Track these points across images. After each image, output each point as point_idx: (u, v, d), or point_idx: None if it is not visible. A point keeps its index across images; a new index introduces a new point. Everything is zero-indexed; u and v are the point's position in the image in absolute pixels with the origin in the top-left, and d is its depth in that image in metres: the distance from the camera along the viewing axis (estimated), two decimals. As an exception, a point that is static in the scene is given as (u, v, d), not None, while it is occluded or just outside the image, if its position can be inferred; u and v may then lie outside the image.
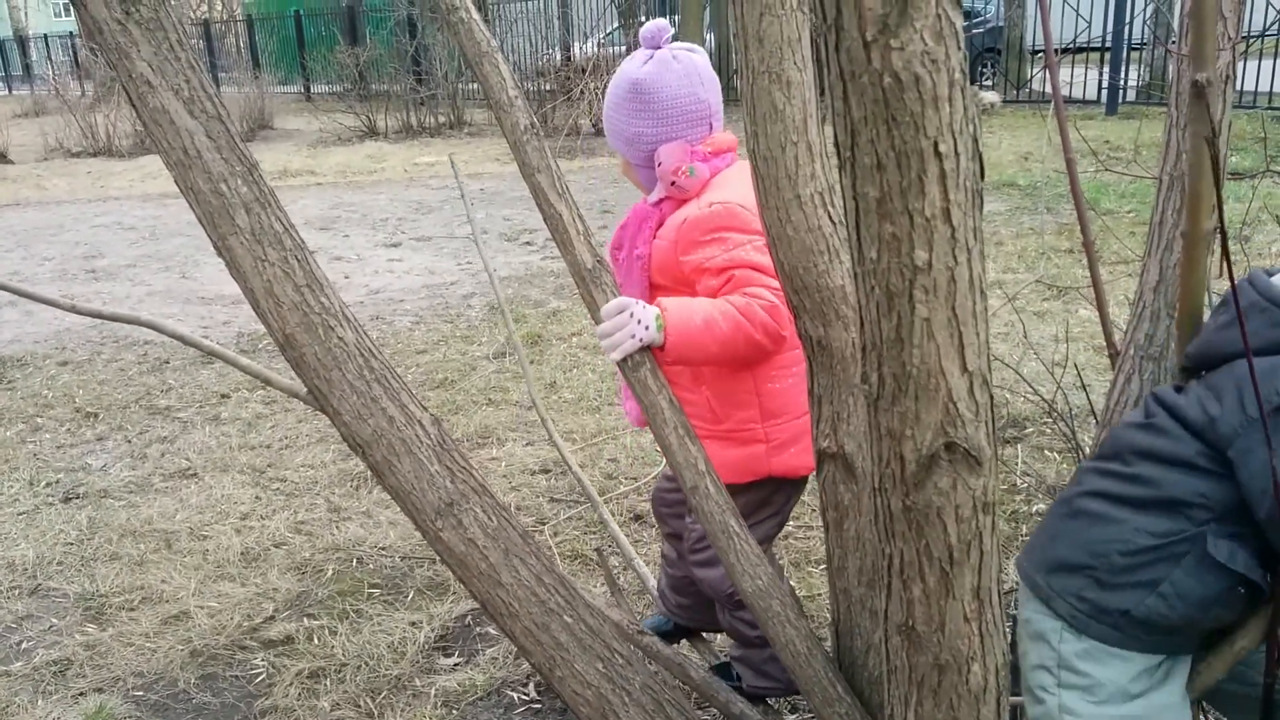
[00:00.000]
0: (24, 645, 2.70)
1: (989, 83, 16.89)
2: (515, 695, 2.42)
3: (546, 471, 3.56)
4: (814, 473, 1.61)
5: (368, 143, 14.32)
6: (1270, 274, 1.26)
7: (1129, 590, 1.22)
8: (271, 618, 2.76)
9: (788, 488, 1.96)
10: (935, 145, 0.90)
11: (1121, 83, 12.54)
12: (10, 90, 27.19)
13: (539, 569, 1.62)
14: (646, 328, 1.58)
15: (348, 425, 1.55)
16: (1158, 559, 1.20)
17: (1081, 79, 12.62)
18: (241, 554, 3.08)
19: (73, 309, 1.90)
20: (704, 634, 2.37)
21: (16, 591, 2.96)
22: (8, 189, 11.42)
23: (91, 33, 1.38)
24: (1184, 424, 1.21)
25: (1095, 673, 1.26)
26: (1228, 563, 1.17)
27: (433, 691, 2.44)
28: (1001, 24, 16.98)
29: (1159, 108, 11.48)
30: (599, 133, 13.10)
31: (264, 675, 2.54)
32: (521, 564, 1.60)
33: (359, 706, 2.41)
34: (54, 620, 2.80)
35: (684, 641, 2.37)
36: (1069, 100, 13.48)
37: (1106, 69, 12.52)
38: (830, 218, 1.39)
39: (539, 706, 2.38)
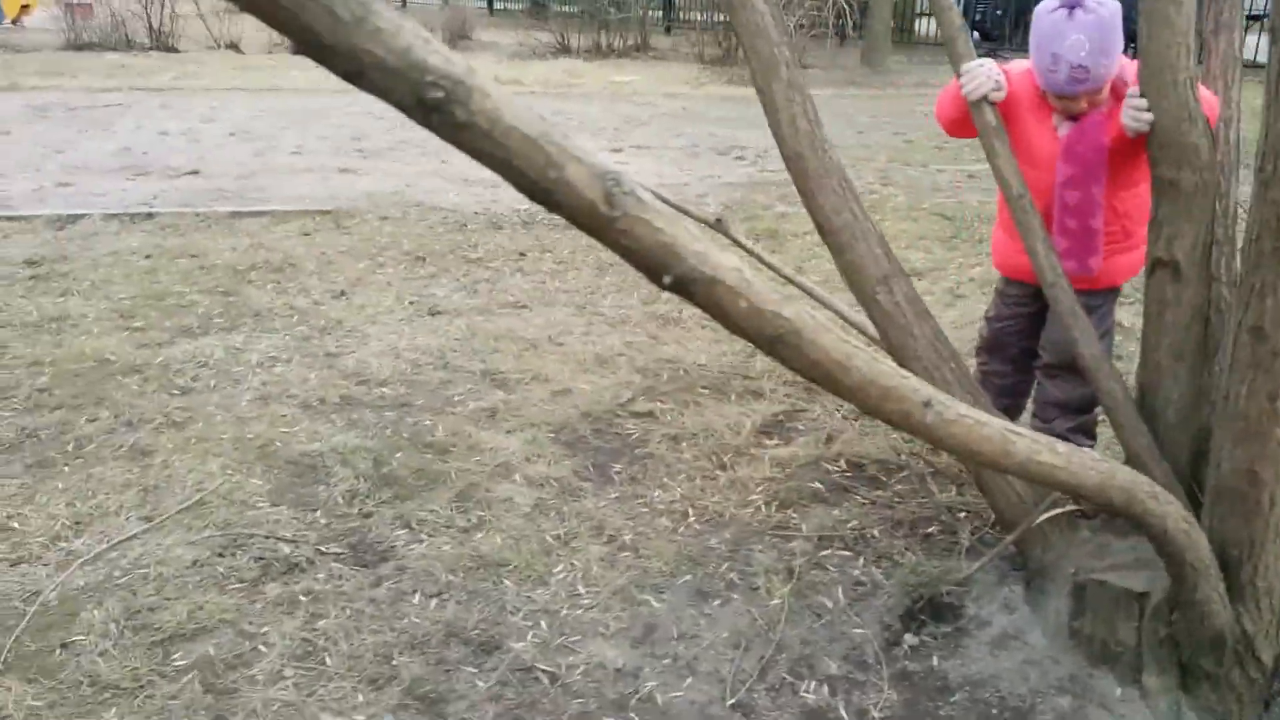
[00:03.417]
0: (456, 398, 3.69)
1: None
2: (829, 467, 3.28)
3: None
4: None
5: (561, 59, 15.19)
6: None
7: None
8: (632, 399, 3.68)
9: None
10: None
11: None
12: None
13: (934, 331, 2.44)
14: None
15: (826, 215, 2.37)
16: None
17: None
18: (594, 356, 4.01)
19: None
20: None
21: (431, 366, 3.95)
22: (252, 77, 12.72)
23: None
24: None
25: None
26: None
27: (766, 457, 3.32)
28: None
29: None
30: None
31: (637, 434, 3.46)
32: (925, 323, 2.43)
33: (711, 460, 3.31)
34: (470, 386, 3.78)
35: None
36: None
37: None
38: (1194, 98, 2.13)
39: (850, 474, 3.24)
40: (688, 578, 2.74)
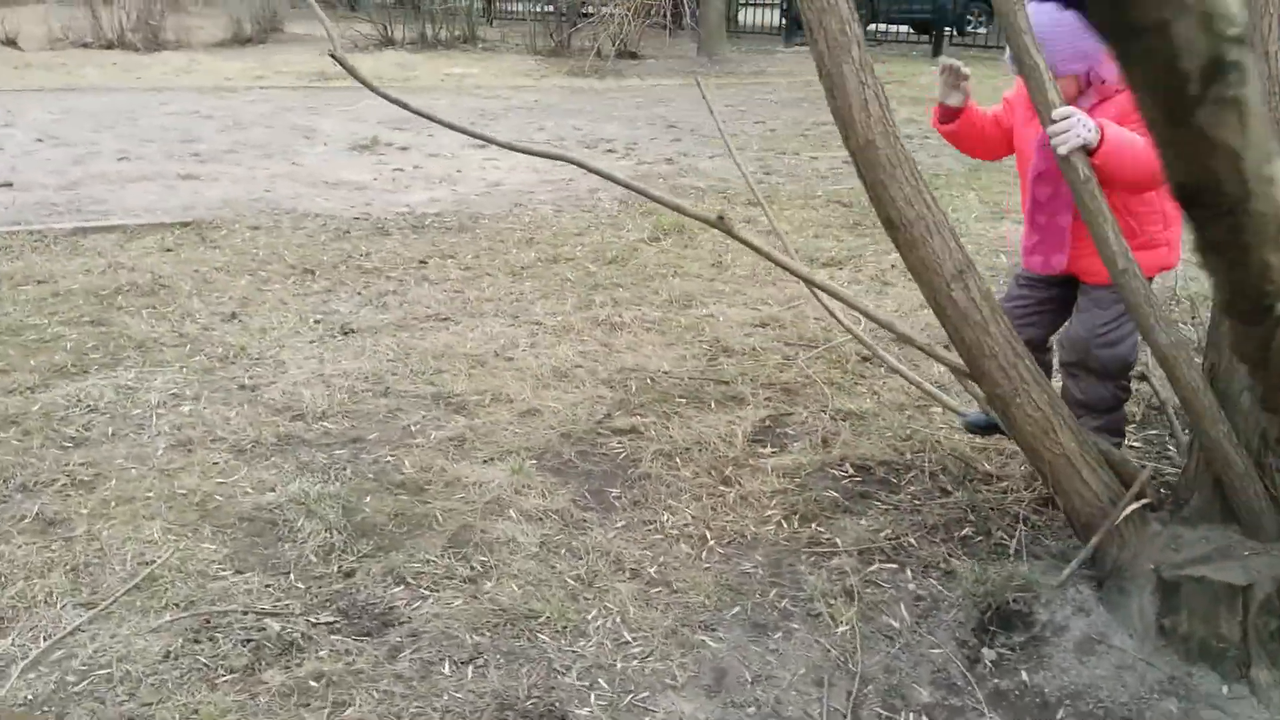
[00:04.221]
0: (413, 427, 3.30)
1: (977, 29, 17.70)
2: (836, 473, 3.10)
3: (763, 325, 4.21)
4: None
5: (387, 52, 14.51)
6: None
7: None
8: (609, 415, 3.39)
9: None
10: None
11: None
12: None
13: (1008, 327, 2.29)
14: (1090, 130, 2.22)
15: (899, 208, 2.18)
16: None
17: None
18: (551, 370, 3.69)
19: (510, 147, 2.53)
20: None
21: (371, 392, 3.53)
22: (37, 75, 11.47)
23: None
24: None
25: None
26: None
27: (769, 467, 3.11)
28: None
29: None
30: (620, 55, 13.58)
31: (626, 453, 3.18)
32: (1000, 321, 2.27)
33: (712, 475, 3.07)
34: (424, 412, 3.39)
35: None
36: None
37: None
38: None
39: (860, 479, 3.07)
40: (735, 610, 2.50)
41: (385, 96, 2.62)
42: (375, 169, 7.20)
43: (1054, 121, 2.24)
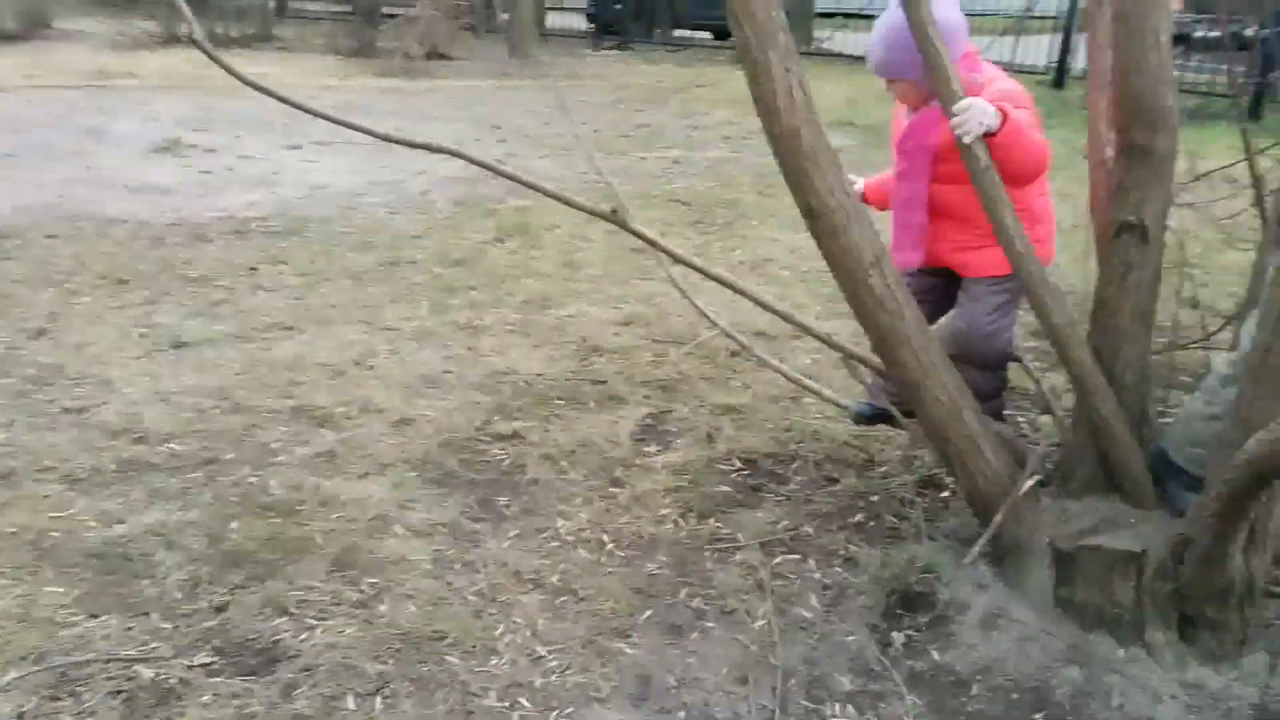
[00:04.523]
0: (274, 444, 3.04)
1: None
2: (725, 468, 3.08)
3: (628, 324, 4.15)
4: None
5: (174, 50, 13.55)
6: None
7: None
8: (488, 421, 3.24)
9: None
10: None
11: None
12: None
13: (918, 315, 2.31)
14: (991, 115, 2.23)
15: (820, 197, 2.15)
16: None
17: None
18: (419, 377, 3.50)
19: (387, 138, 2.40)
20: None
21: (220, 409, 3.24)
22: None
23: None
24: None
25: None
26: None
27: (658, 465, 3.06)
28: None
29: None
30: (430, 56, 13.25)
31: (510, 459, 3.05)
32: (912, 307, 2.29)
33: (603, 476, 2.99)
34: (285, 428, 3.14)
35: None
36: (856, 58, 15.04)
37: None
38: (1170, 62, 2.15)
39: (749, 472, 3.06)
40: (648, 613, 2.42)
41: (285, 100, 2.40)
42: (181, 171, 6.69)
43: (955, 114, 2.26)
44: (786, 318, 2.71)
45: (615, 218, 2.72)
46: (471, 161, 2.64)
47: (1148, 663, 2.27)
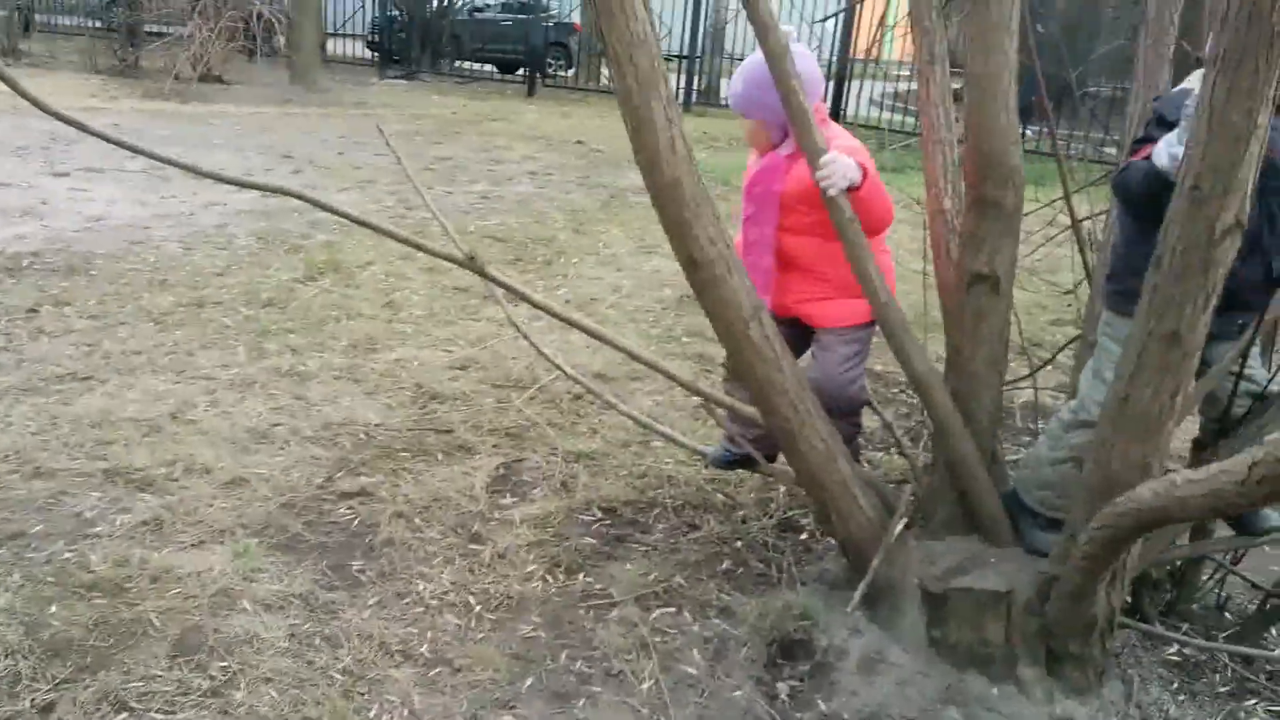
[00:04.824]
0: (89, 514, 2.71)
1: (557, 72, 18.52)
2: (586, 518, 3.01)
3: (464, 368, 4.01)
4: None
5: (-98, 59, 12.13)
6: None
7: None
8: (330, 478, 3.02)
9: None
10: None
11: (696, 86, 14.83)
12: None
13: (793, 363, 2.34)
14: (854, 170, 2.29)
15: (702, 247, 2.13)
16: None
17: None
18: (247, 431, 3.22)
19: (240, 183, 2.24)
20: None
21: (19, 474, 2.86)
22: None
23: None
24: None
25: None
26: None
27: (517, 518, 2.95)
28: (569, 20, 18.78)
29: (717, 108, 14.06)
30: (204, 79, 12.48)
31: (360, 519, 2.85)
32: (788, 356, 2.31)
33: (461, 533, 2.85)
34: (100, 493, 2.80)
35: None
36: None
37: (682, 75, 14.70)
38: (1018, 121, 2.28)
39: (611, 522, 3.00)
40: (530, 681, 2.32)
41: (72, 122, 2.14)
42: (-76, 199, 5.96)
43: (820, 167, 2.32)
44: (653, 365, 2.68)
45: (473, 265, 2.61)
46: (318, 206, 2.46)
47: (1020, 699, 2.37)
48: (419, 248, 2.54)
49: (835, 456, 2.42)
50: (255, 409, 3.42)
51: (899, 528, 2.49)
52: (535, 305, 2.71)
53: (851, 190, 2.32)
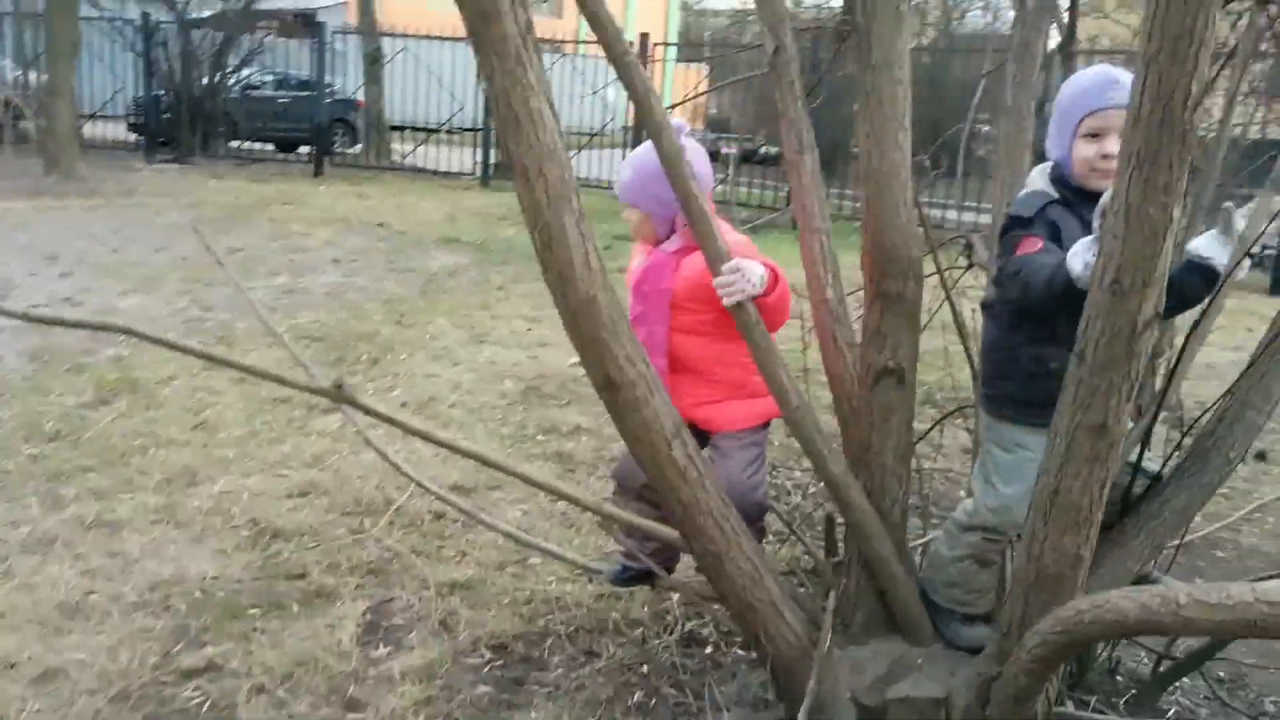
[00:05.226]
0: None
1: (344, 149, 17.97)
2: (473, 661, 2.69)
3: (304, 494, 3.60)
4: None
5: None
6: None
7: None
8: (168, 653, 2.57)
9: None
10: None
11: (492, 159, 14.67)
12: None
13: (715, 482, 2.16)
14: (758, 279, 2.15)
15: (620, 367, 1.94)
16: None
17: (458, 155, 14.38)
18: (56, 606, 2.71)
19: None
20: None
21: None
22: None
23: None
24: None
25: None
26: None
27: (397, 672, 2.60)
28: (353, 97, 18.29)
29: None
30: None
31: (211, 700, 2.43)
32: (711, 476, 2.13)
33: (337, 701, 2.48)
34: None
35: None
36: (448, 174, 15.26)
37: (479, 148, 14.54)
38: (917, 219, 2.21)
39: (503, 662, 2.70)
40: None
41: None
42: None
43: (722, 274, 2.17)
44: (527, 479, 2.43)
45: (342, 395, 2.31)
46: (157, 343, 2.10)
47: (967, 807, 2.25)
48: (281, 382, 2.23)
49: (762, 575, 2.26)
50: (61, 575, 2.90)
51: (826, 643, 2.33)
52: (412, 433, 2.44)
53: (759, 298, 2.19)
